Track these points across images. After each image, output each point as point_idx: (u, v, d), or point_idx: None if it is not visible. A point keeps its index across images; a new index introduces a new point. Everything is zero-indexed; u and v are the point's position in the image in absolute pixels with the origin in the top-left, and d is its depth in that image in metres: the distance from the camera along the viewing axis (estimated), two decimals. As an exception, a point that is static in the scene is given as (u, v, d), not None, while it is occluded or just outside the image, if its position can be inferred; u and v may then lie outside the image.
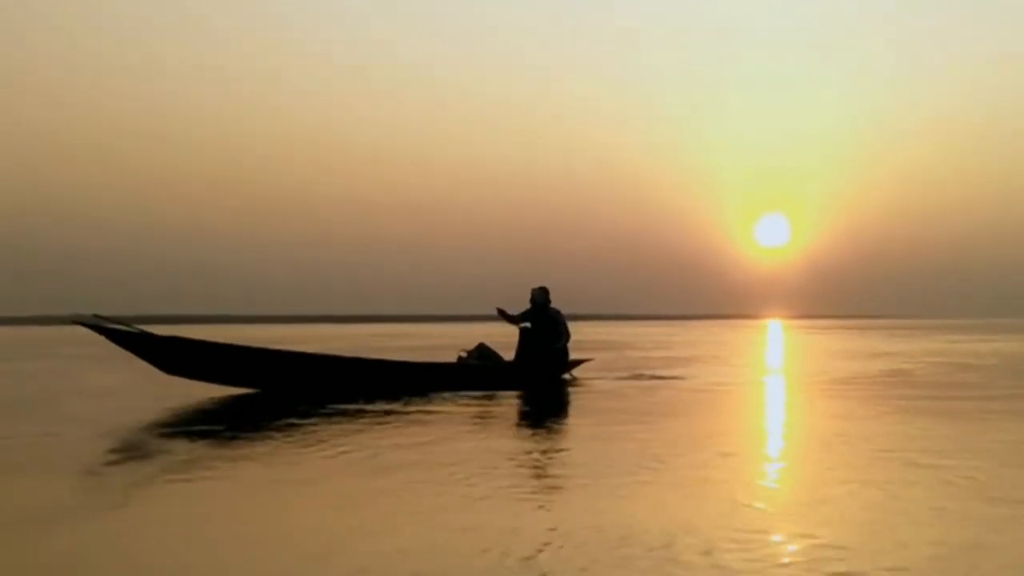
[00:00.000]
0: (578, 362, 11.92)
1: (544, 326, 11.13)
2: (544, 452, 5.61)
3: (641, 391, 10.01)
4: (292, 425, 6.82)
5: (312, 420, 7.15)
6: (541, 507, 3.92)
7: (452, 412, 7.79)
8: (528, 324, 11.17)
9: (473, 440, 6.18)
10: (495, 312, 11.07)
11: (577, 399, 9.31)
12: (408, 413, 7.71)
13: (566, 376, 11.40)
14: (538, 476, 4.82)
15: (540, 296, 11.25)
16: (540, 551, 3.12)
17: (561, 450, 5.76)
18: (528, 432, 6.74)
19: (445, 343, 28.79)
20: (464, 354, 10.64)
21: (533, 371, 10.88)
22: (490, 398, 9.07)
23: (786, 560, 3.04)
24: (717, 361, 16.93)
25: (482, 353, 10.61)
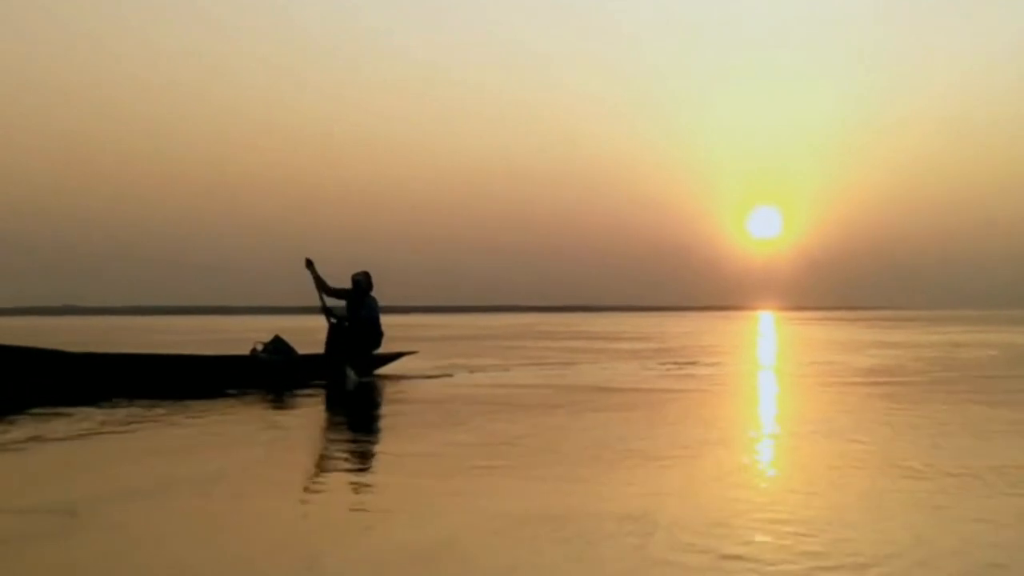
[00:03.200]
0: (398, 355, 11.43)
1: (360, 317, 10.54)
2: (336, 451, 5.46)
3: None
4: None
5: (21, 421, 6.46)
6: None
7: (233, 412, 7.27)
8: (334, 317, 10.55)
9: (243, 449, 5.50)
10: (305, 262, 10.46)
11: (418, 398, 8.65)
12: (172, 414, 7.04)
13: (377, 372, 10.88)
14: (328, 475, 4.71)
15: (364, 280, 10.66)
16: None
17: (356, 451, 5.52)
18: (339, 437, 6.42)
19: (419, 334, 29.18)
20: (259, 346, 9.99)
21: (342, 367, 10.23)
22: (278, 396, 8.52)
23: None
24: (714, 352, 17.36)
25: (277, 347, 9.98)
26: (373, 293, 10.76)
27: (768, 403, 8.64)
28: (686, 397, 8.57)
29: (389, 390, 9.37)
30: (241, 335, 29.03)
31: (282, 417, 7.26)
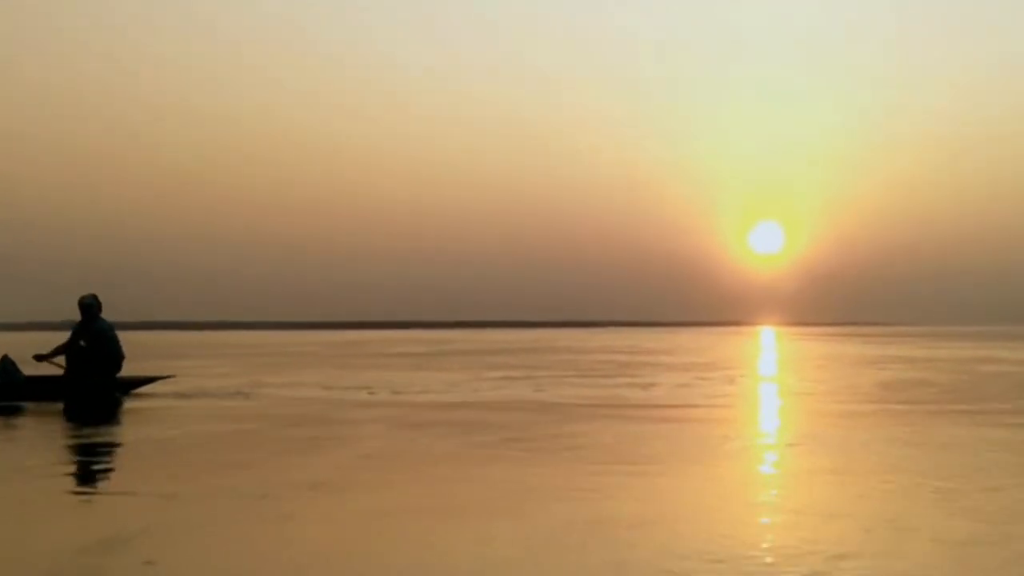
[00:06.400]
0: (151, 379, 11.11)
1: (96, 338, 10.31)
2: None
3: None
4: None
5: None
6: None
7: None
8: (62, 358, 10.34)
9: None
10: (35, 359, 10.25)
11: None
12: None
13: (128, 393, 10.58)
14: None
15: (94, 303, 10.40)
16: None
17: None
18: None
19: (428, 349, 29.40)
20: None
21: (83, 387, 10.11)
22: (9, 414, 8.59)
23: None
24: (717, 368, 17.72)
25: (4, 368, 9.97)
26: (103, 315, 10.49)
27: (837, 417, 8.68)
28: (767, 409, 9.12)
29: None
30: (240, 350, 29.27)
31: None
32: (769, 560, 3.19)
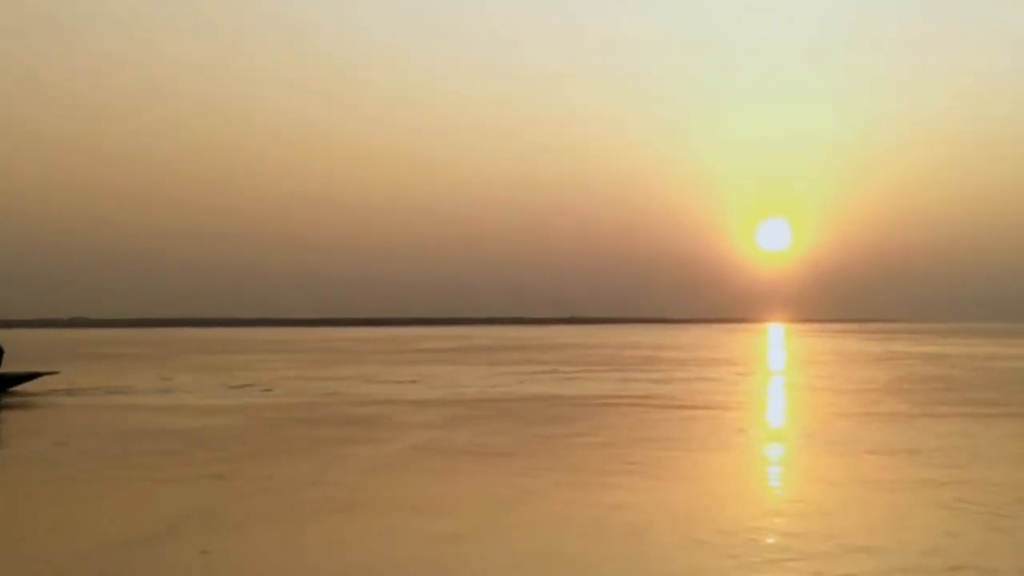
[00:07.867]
0: (34, 375, 10.69)
1: None
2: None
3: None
4: None
5: None
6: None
7: None
8: None
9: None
10: None
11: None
12: None
13: (7, 391, 10.31)
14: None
15: None
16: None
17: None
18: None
19: (434, 346, 29.45)
20: None
21: None
22: None
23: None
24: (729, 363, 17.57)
25: None
26: None
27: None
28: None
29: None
30: (245, 345, 29.35)
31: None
32: (773, 551, 3.05)
